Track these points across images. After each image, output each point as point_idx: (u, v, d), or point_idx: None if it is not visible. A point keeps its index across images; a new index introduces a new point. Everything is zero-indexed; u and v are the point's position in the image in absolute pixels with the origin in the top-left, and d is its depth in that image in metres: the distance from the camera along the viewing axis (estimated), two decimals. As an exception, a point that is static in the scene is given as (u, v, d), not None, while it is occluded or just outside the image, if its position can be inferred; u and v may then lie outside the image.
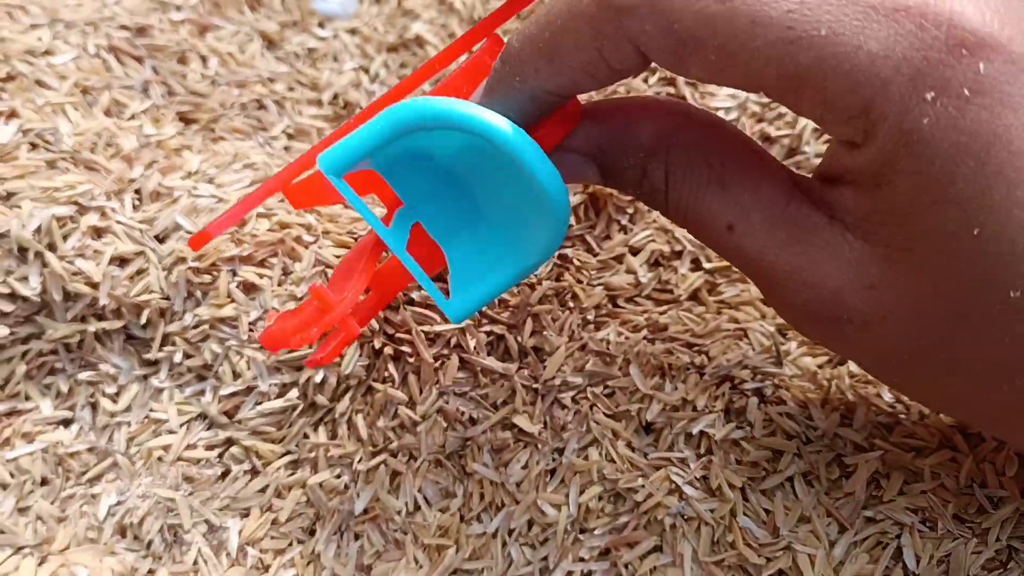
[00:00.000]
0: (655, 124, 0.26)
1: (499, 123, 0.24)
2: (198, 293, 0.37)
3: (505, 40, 0.27)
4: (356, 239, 0.38)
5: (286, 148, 0.45)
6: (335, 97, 0.47)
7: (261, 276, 0.36)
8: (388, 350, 0.35)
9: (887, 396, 0.33)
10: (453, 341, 0.36)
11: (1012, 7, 0.21)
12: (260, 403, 0.35)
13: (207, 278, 0.37)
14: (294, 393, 0.35)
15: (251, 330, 0.36)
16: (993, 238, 0.21)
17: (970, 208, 0.21)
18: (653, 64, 0.24)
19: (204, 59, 0.46)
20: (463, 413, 0.35)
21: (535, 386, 0.35)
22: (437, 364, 0.36)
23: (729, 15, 0.21)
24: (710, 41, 0.22)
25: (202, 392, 0.36)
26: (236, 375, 0.36)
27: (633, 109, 0.27)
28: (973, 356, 0.23)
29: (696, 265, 0.38)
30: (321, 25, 0.50)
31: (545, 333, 0.36)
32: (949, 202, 0.21)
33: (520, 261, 0.27)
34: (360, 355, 0.35)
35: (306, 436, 0.35)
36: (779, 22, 0.21)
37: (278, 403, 0.35)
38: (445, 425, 0.35)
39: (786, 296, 0.25)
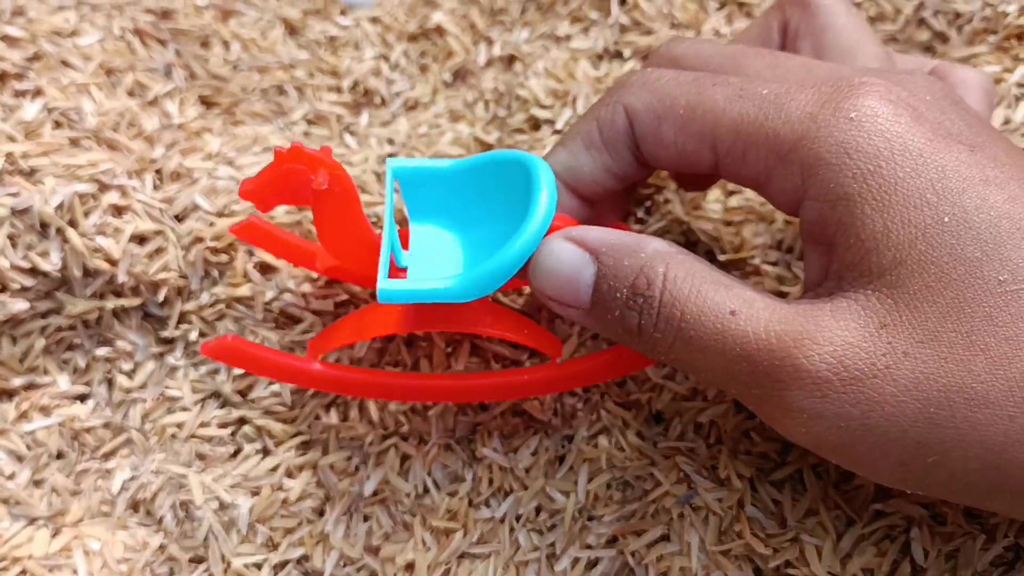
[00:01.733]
0: (663, 241, 0.28)
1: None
2: (215, 272, 0.37)
3: None
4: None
5: (305, 133, 0.45)
6: (355, 84, 0.47)
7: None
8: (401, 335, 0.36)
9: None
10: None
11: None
12: (273, 383, 0.36)
13: (224, 258, 0.37)
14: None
15: (267, 310, 0.36)
16: (963, 223, 0.23)
17: (931, 200, 0.23)
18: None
19: (226, 44, 0.46)
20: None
21: (546, 373, 0.35)
22: (449, 350, 0.36)
23: (698, 83, 0.28)
24: (681, 98, 0.28)
25: (216, 371, 0.37)
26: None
27: (645, 236, 0.28)
28: (993, 380, 0.23)
29: (711, 257, 0.38)
30: (343, 13, 0.50)
31: (557, 321, 0.36)
32: (911, 197, 0.24)
33: (514, 247, 0.28)
34: (373, 339, 0.36)
35: (318, 417, 0.35)
36: (736, 85, 0.28)
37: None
38: (456, 410, 0.35)
39: (800, 362, 0.24)
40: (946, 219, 0.23)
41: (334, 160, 0.28)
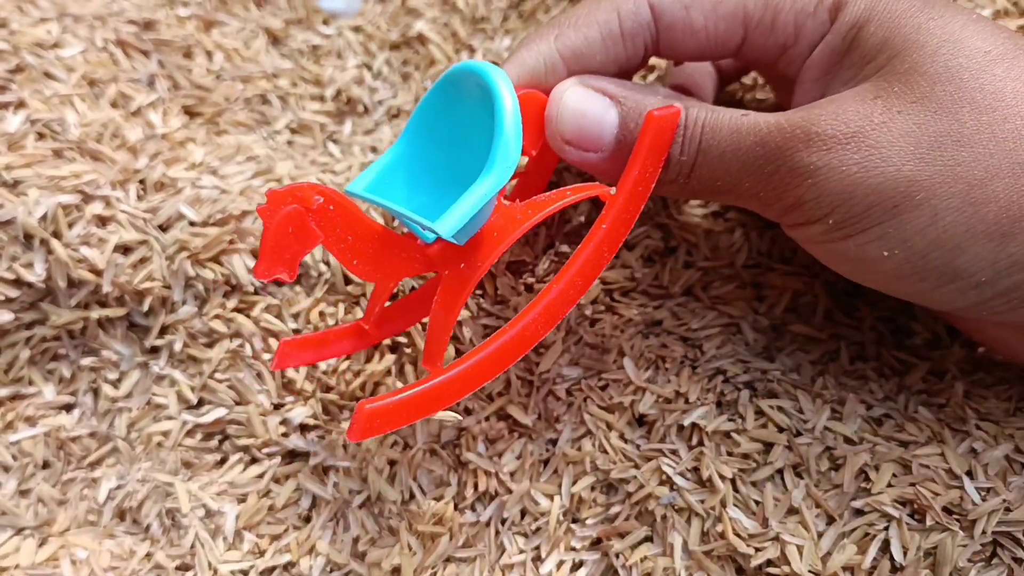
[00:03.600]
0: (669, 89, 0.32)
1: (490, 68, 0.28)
2: (199, 286, 0.37)
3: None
4: None
5: (289, 142, 0.45)
6: (338, 93, 0.47)
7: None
8: (386, 340, 0.36)
9: (877, 391, 0.34)
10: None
11: None
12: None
13: (208, 269, 0.37)
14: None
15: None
16: (954, 17, 0.27)
17: (933, 9, 0.27)
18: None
19: (209, 54, 0.46)
20: (458, 404, 0.35)
21: (530, 378, 0.35)
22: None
23: None
24: None
25: (200, 374, 0.37)
26: (236, 363, 0.36)
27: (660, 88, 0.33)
28: (977, 125, 0.26)
29: (689, 262, 0.38)
30: (325, 22, 0.51)
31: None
32: (911, 10, 0.27)
33: (486, 176, 0.28)
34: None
35: (304, 425, 0.36)
36: None
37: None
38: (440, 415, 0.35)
39: (809, 126, 0.27)
40: (937, 16, 0.27)
41: (306, 183, 0.28)
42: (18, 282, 0.36)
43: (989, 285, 0.27)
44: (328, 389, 0.36)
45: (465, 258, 0.29)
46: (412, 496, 0.34)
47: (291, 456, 0.36)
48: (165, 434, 0.36)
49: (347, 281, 0.37)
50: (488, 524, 0.33)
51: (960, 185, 0.25)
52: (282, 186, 0.28)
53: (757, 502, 0.31)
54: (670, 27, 0.30)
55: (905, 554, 0.29)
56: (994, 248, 0.26)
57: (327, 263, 0.37)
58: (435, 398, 0.28)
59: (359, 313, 0.37)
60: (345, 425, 0.35)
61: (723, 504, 0.31)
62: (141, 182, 0.39)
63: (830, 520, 0.31)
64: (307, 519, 0.34)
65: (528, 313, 0.29)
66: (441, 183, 0.31)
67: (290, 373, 0.36)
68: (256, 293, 0.37)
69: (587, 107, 0.29)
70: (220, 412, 0.36)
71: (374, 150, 0.45)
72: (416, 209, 0.30)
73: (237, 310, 0.37)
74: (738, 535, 0.31)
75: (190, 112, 0.44)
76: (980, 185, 0.25)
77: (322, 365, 0.36)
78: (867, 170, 0.26)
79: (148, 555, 0.34)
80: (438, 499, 0.34)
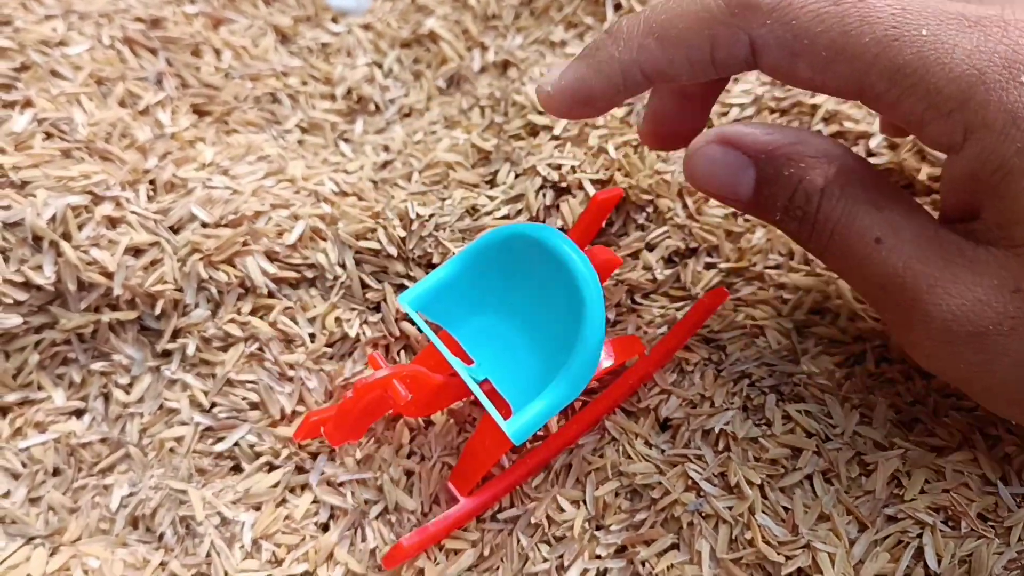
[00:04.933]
0: (822, 143, 0.28)
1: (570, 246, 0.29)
2: (212, 288, 0.36)
3: None
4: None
5: (299, 141, 0.44)
6: (348, 92, 0.47)
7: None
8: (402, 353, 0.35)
9: (905, 395, 0.33)
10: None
11: None
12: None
13: (221, 270, 0.36)
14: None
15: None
16: None
17: None
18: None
19: (218, 52, 0.46)
20: (475, 419, 0.35)
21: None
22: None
23: (841, 13, 0.24)
24: (823, 36, 0.25)
25: (213, 376, 0.36)
26: (250, 367, 0.35)
27: (801, 131, 0.29)
28: None
29: (711, 264, 0.38)
30: (335, 20, 0.50)
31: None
32: None
33: (564, 386, 0.29)
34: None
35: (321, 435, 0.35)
36: (886, 21, 0.24)
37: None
38: (458, 428, 0.35)
39: (928, 309, 0.25)
40: None
41: (399, 367, 0.30)
42: (27, 285, 0.35)
43: None
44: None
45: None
46: (431, 508, 0.34)
47: (307, 465, 0.35)
48: (178, 440, 0.35)
49: (364, 287, 0.37)
50: (511, 532, 0.33)
51: None
52: (378, 375, 0.29)
53: (787, 509, 0.31)
54: (772, 69, 0.27)
55: (940, 562, 0.29)
56: None
57: (343, 266, 0.37)
58: (465, 519, 0.32)
59: (373, 319, 0.36)
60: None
61: (751, 511, 0.31)
62: (151, 182, 0.38)
63: (862, 527, 0.30)
64: (324, 528, 0.34)
65: (547, 442, 0.33)
66: (510, 320, 0.32)
67: (307, 383, 0.35)
68: (271, 296, 0.36)
69: (721, 168, 0.28)
70: (234, 417, 0.35)
71: (386, 149, 0.44)
72: (470, 341, 0.32)
73: (252, 312, 0.36)
74: (768, 543, 0.30)
75: (199, 111, 0.43)
76: None
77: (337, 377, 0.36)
78: (988, 372, 0.25)
79: (163, 564, 0.33)
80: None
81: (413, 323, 0.36)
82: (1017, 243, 0.24)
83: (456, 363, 0.30)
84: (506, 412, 0.30)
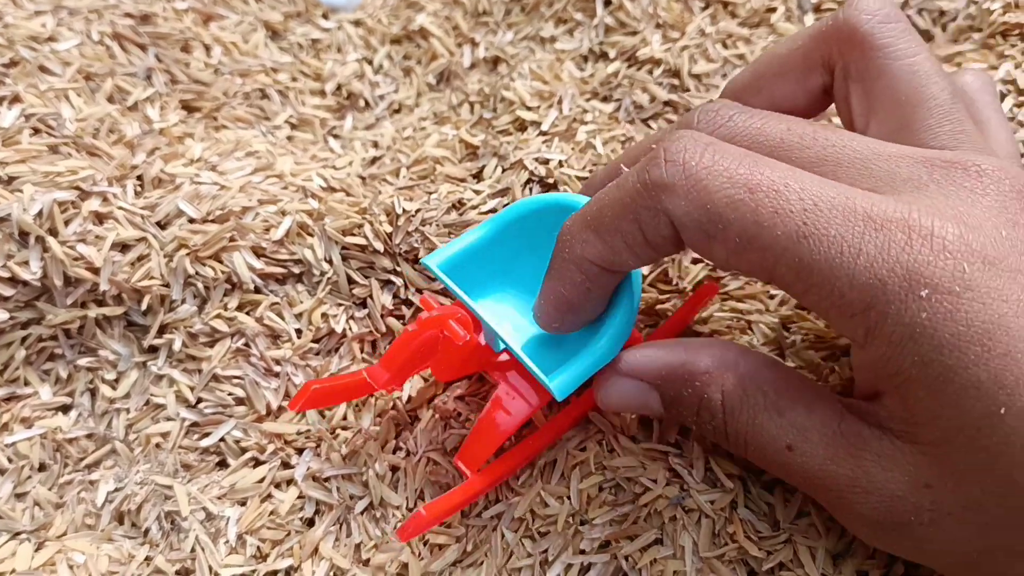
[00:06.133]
0: (712, 356, 0.28)
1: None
2: (198, 284, 0.36)
3: None
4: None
5: (289, 137, 0.44)
6: (338, 88, 0.47)
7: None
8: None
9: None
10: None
11: (981, 222, 0.24)
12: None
13: (208, 266, 0.36)
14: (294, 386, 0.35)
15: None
16: (1020, 413, 0.22)
17: (989, 390, 0.22)
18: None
19: (208, 48, 0.46)
20: (459, 414, 0.35)
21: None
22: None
23: (754, 203, 0.24)
24: (736, 224, 0.24)
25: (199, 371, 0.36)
26: (236, 363, 0.35)
27: (692, 344, 0.29)
28: None
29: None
30: (325, 16, 0.50)
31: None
32: (968, 388, 0.22)
33: (605, 343, 0.29)
34: (361, 354, 0.35)
35: (306, 429, 0.35)
36: (797, 217, 0.24)
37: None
38: (444, 424, 0.35)
39: (852, 506, 0.25)
40: (1002, 411, 0.22)
41: (454, 308, 0.30)
42: (13, 280, 0.35)
43: None
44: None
45: (523, 384, 0.31)
46: (416, 503, 0.34)
47: (293, 460, 0.35)
48: (164, 435, 0.35)
49: (351, 282, 0.37)
50: (495, 528, 0.33)
51: None
52: (437, 313, 0.29)
53: (768, 504, 0.31)
54: (693, 246, 0.26)
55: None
56: None
57: (330, 261, 0.37)
58: (477, 492, 0.32)
59: (360, 315, 0.36)
60: (343, 434, 0.35)
61: (734, 505, 0.31)
62: (139, 178, 0.38)
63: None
64: (310, 523, 0.34)
65: (556, 419, 0.33)
66: (525, 305, 0.33)
67: (293, 378, 0.35)
68: (258, 291, 0.36)
69: (628, 398, 0.30)
70: (220, 413, 0.35)
71: (376, 145, 0.44)
72: (490, 311, 0.32)
73: (239, 308, 0.36)
74: (749, 537, 0.30)
75: (188, 107, 0.44)
76: None
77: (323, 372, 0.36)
78: (920, 552, 0.25)
79: (147, 559, 0.33)
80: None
81: (422, 292, 0.36)
82: (920, 441, 0.24)
83: (487, 320, 0.30)
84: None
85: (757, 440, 0.27)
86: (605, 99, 0.43)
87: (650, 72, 0.41)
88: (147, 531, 0.33)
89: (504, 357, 0.32)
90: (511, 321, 0.32)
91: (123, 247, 0.36)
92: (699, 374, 0.28)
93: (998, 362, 0.22)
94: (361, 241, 0.37)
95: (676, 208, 0.25)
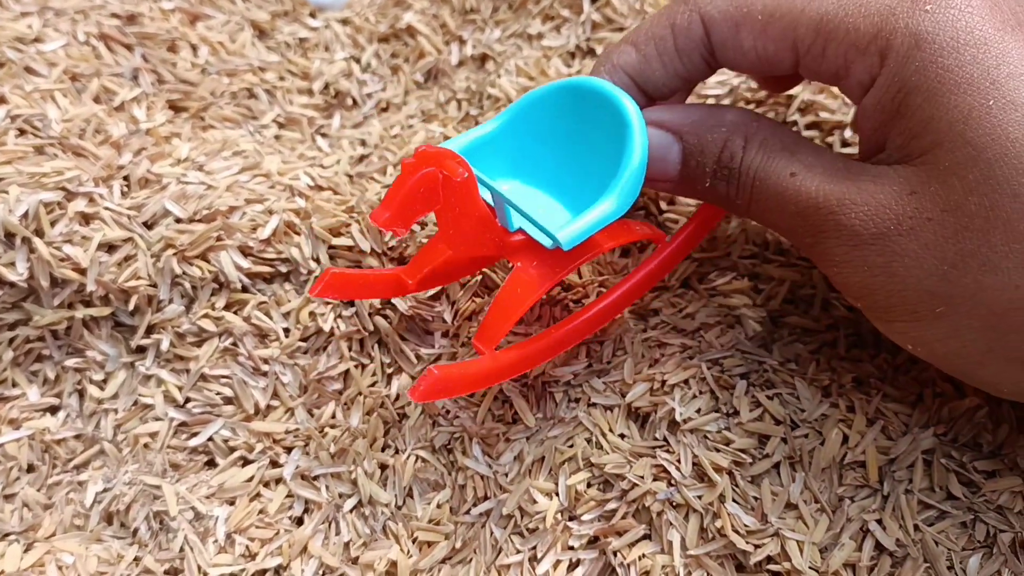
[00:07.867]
0: (736, 112, 0.31)
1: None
2: (185, 284, 0.36)
3: None
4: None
5: (276, 137, 0.44)
6: (326, 86, 0.47)
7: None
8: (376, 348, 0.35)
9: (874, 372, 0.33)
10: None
11: None
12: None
13: (195, 266, 0.36)
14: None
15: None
16: (1009, 106, 0.24)
17: (980, 85, 0.24)
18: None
19: (195, 48, 0.45)
20: (448, 412, 0.35)
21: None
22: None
23: None
24: (758, 2, 0.28)
25: (187, 371, 0.36)
26: (224, 362, 0.35)
27: (716, 106, 0.32)
28: (1008, 251, 0.24)
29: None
30: (312, 15, 0.50)
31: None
32: (961, 84, 0.25)
33: (613, 199, 0.29)
34: (349, 353, 0.35)
35: (295, 427, 0.35)
36: None
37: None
38: (432, 421, 0.35)
39: (838, 220, 0.27)
40: (991, 103, 0.24)
41: (449, 151, 0.29)
42: (0, 281, 0.35)
43: (1018, 394, 0.27)
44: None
45: (540, 259, 0.31)
46: (405, 501, 0.34)
47: (281, 459, 0.35)
48: (153, 435, 0.35)
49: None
50: (484, 524, 0.33)
51: (982, 310, 0.25)
52: (431, 147, 0.28)
53: (756, 498, 0.31)
54: (722, 45, 0.30)
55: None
56: (1017, 371, 0.26)
57: (317, 260, 0.37)
58: (493, 374, 0.31)
59: (347, 313, 0.36)
60: (332, 432, 0.35)
61: (721, 499, 0.31)
62: (125, 178, 0.38)
63: (827, 514, 0.30)
64: (299, 521, 0.34)
65: (577, 317, 0.33)
66: (543, 182, 0.33)
67: (281, 377, 0.35)
68: (245, 291, 0.36)
69: (652, 149, 0.31)
70: (208, 412, 0.35)
71: (363, 143, 0.44)
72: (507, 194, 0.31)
73: (227, 307, 0.36)
74: (737, 531, 0.30)
75: (175, 107, 0.43)
76: (1003, 314, 0.25)
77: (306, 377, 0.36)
78: (889, 275, 0.26)
79: (136, 559, 0.33)
80: (433, 501, 0.33)
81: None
82: (914, 156, 0.26)
83: (498, 190, 0.30)
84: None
85: (765, 175, 0.29)
86: (592, 96, 0.43)
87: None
88: (136, 531, 0.33)
89: (519, 238, 0.32)
90: (523, 195, 0.33)
91: (110, 247, 0.36)
92: (726, 122, 0.31)
93: (991, 62, 0.25)
94: (348, 242, 0.37)
95: (707, 5, 0.30)
